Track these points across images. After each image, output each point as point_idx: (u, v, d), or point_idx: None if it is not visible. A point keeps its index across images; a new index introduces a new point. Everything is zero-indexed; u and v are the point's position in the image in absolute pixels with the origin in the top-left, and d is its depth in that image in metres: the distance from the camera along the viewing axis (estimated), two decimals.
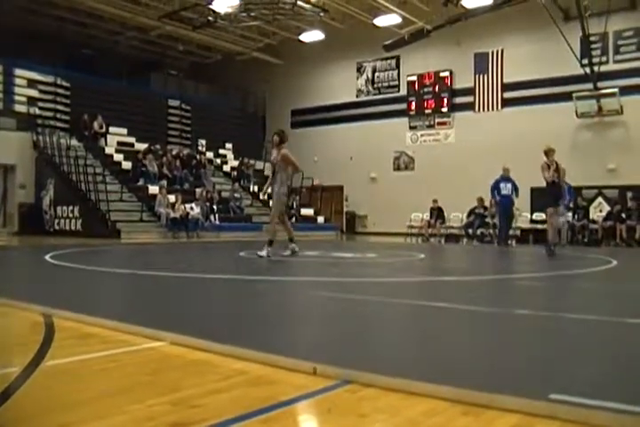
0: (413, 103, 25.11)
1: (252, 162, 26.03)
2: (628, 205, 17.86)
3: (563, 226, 16.63)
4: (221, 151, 26.82)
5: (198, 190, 21.29)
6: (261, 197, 22.72)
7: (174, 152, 23.60)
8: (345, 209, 27.01)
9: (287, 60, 28.17)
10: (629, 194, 17.97)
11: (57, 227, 20.08)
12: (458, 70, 23.95)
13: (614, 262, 10.17)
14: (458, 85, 24.06)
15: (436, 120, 24.65)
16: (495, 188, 16.12)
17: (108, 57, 26.22)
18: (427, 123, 24.87)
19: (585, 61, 19.80)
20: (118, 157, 21.80)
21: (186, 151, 24.49)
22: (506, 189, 15.89)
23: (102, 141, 22.45)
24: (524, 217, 20.05)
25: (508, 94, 22.61)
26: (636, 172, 18.47)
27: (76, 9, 23.50)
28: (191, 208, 19.35)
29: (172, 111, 27.09)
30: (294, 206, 24.06)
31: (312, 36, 25.52)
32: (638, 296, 5.93)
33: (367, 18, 23.24)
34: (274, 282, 6.81)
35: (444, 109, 24.34)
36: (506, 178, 16.04)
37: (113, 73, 24.89)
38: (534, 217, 20.14)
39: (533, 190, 18.89)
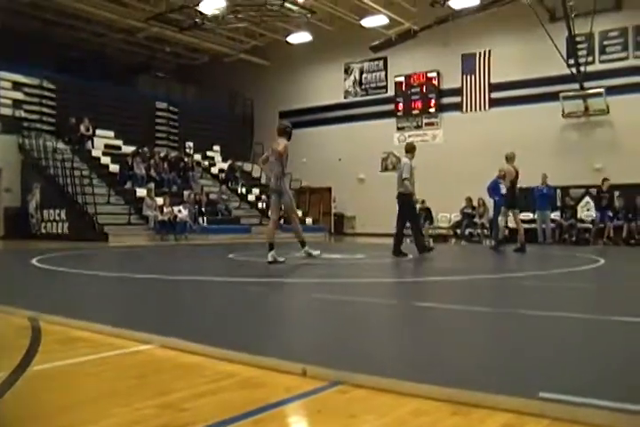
0: (401, 104, 25.15)
1: (239, 164, 26.00)
2: (614, 204, 17.94)
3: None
4: (209, 153, 26.75)
5: (186, 193, 21.23)
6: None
7: (162, 155, 23.50)
8: (333, 210, 27.01)
9: (275, 62, 28.12)
10: (616, 193, 18.07)
11: (44, 231, 19.91)
12: (445, 71, 24.01)
13: (602, 261, 10.23)
14: (445, 86, 24.13)
15: (424, 121, 24.70)
16: (494, 188, 16.07)
17: (94, 59, 26.07)
18: (414, 123, 24.92)
19: (571, 62, 19.86)
20: (105, 159, 21.66)
21: (173, 154, 24.39)
22: (504, 189, 15.93)
23: (89, 144, 22.28)
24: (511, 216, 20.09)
25: (495, 95, 22.70)
26: (623, 171, 18.56)
27: (62, 11, 23.32)
28: (179, 211, 19.28)
29: (159, 114, 26.94)
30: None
31: (299, 37, 25.49)
32: (624, 294, 5.96)
33: (354, 19, 23.24)
34: (263, 284, 6.79)
35: (432, 110, 24.38)
36: (503, 179, 16.09)
37: (100, 75, 24.72)
38: (522, 216, 20.19)
39: (521, 190, 18.91)
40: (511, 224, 19.62)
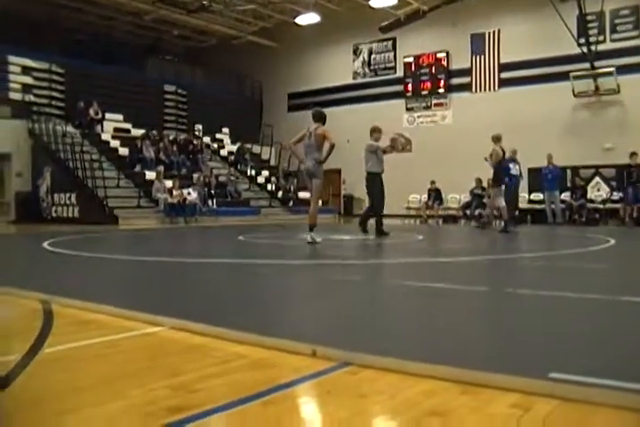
0: (410, 85, 24.98)
1: (248, 146, 25.96)
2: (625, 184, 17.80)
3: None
4: (218, 136, 26.72)
5: (195, 175, 21.25)
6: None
7: (171, 137, 23.51)
8: (342, 192, 26.98)
9: (283, 44, 27.95)
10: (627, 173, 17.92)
11: (54, 214, 20.03)
12: (454, 51, 23.80)
13: (612, 241, 10.19)
14: (454, 66, 23.93)
15: (433, 101, 24.54)
16: (505, 169, 15.85)
17: (102, 43, 25.92)
18: (423, 104, 24.77)
19: (582, 41, 19.66)
20: (115, 143, 21.70)
21: (182, 136, 24.38)
22: (514, 169, 15.82)
23: (98, 128, 22.31)
24: (521, 197, 20.04)
25: (504, 75, 22.51)
26: (634, 150, 18.41)
27: None
28: (189, 193, 19.32)
29: (168, 97, 26.92)
30: (292, 190, 24.05)
31: (308, 18, 25.27)
32: (635, 274, 5.94)
33: None
34: (273, 265, 6.80)
35: (441, 90, 24.22)
36: (513, 160, 15.96)
37: (108, 59, 24.65)
38: (532, 197, 20.19)
39: (530, 171, 18.87)
40: (521, 204, 19.69)
